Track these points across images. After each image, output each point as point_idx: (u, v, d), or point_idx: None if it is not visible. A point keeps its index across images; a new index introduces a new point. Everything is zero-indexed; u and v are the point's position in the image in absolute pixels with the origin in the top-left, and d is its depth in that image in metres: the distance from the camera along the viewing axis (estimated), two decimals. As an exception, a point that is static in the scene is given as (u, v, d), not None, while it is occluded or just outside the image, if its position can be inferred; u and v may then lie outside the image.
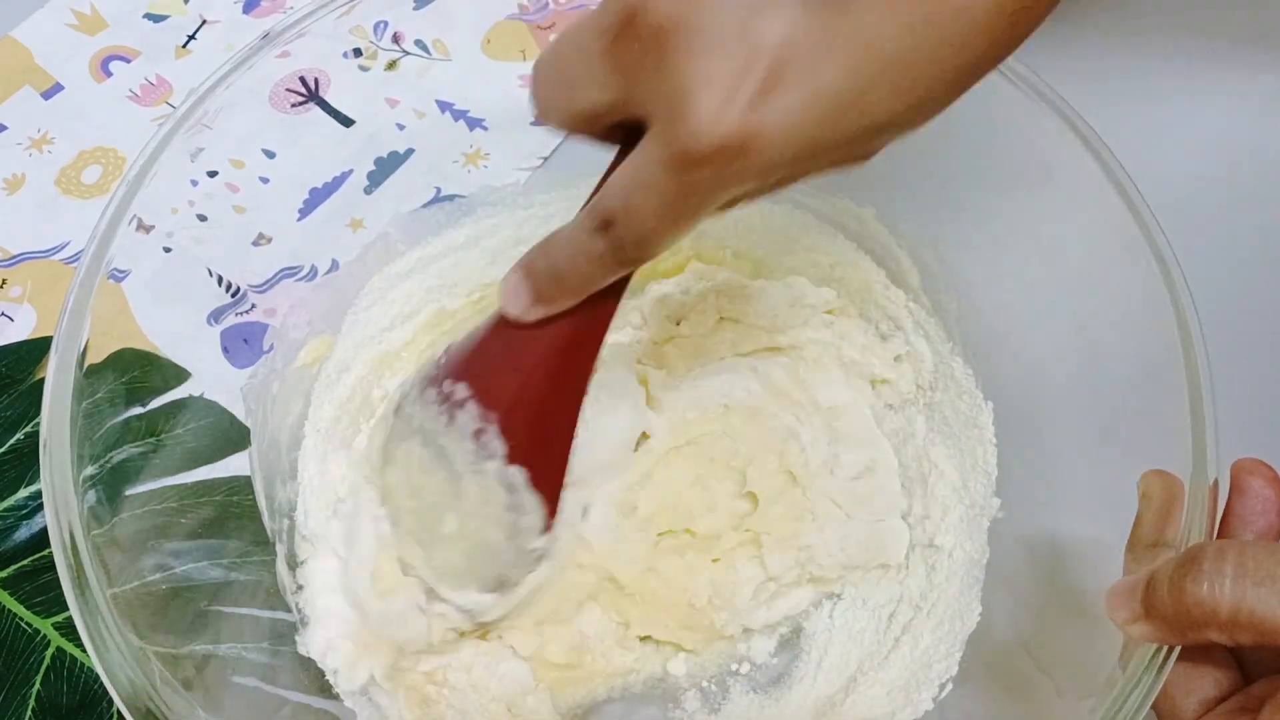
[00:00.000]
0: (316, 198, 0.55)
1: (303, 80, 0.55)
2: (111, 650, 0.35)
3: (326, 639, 0.43)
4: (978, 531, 0.47)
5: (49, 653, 0.45)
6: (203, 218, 0.50)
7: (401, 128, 0.57)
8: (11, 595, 0.46)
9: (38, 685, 0.44)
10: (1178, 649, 0.33)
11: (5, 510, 0.48)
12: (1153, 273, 0.40)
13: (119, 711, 0.36)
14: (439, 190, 0.56)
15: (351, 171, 0.56)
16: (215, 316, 0.51)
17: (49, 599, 0.46)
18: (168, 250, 0.48)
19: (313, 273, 0.53)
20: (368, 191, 0.56)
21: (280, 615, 0.44)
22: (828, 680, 0.45)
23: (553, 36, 0.60)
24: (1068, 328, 0.47)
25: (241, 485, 0.46)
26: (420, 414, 0.39)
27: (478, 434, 0.38)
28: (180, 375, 0.49)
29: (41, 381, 0.40)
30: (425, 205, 0.55)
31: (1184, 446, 0.37)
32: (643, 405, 0.48)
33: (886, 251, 0.52)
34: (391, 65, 0.58)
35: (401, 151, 0.57)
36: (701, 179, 0.27)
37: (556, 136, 0.57)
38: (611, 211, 0.30)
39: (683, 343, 0.52)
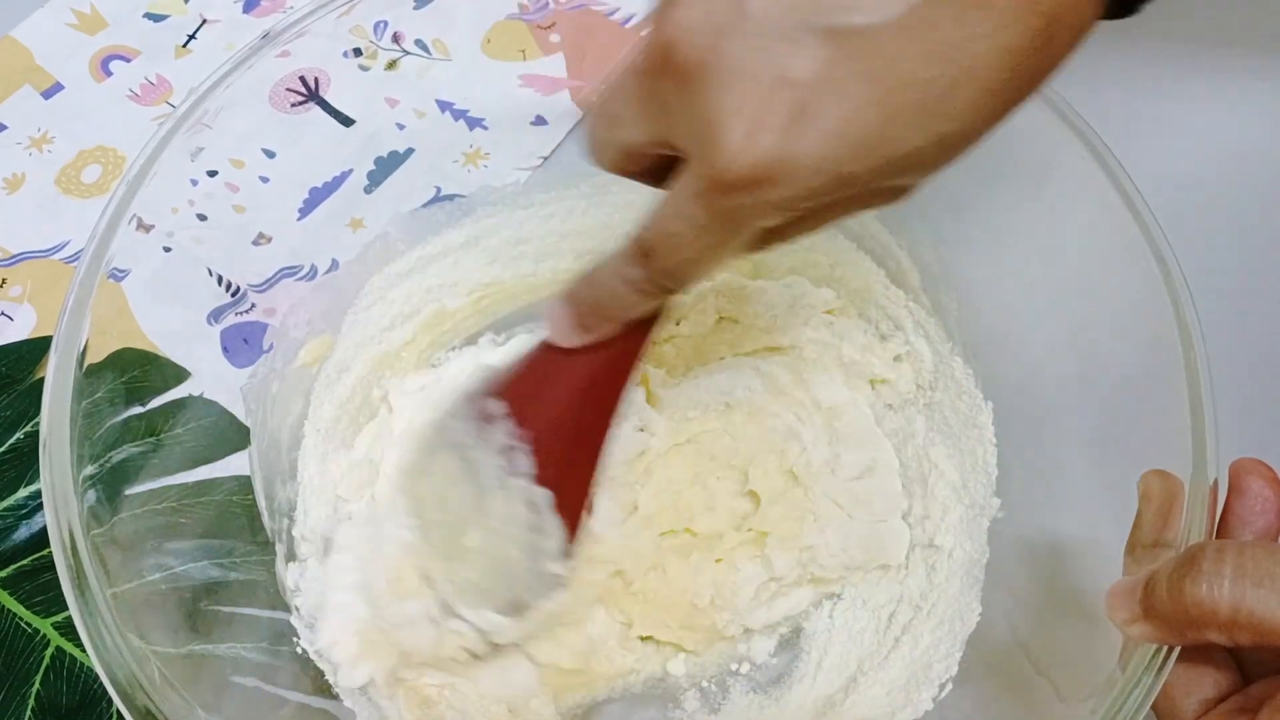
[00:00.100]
0: (316, 197, 0.55)
1: (303, 80, 0.55)
2: (111, 650, 0.35)
3: (332, 635, 0.43)
4: (978, 531, 0.47)
5: (49, 652, 0.45)
6: (203, 217, 0.50)
7: (401, 127, 0.57)
8: (11, 595, 0.46)
9: (37, 685, 0.44)
10: (1177, 649, 0.33)
11: (5, 510, 0.48)
12: (1153, 273, 0.40)
13: (119, 711, 0.36)
14: (439, 190, 0.56)
15: (351, 171, 0.56)
16: (215, 316, 0.51)
17: (49, 599, 0.46)
18: (168, 250, 0.48)
19: (313, 272, 0.53)
20: (368, 191, 0.56)
21: (280, 615, 0.44)
22: (828, 680, 0.45)
23: (554, 37, 0.60)
24: (1067, 328, 0.47)
25: (241, 485, 0.46)
26: (457, 427, 0.40)
27: (509, 451, 0.38)
28: (180, 375, 0.49)
29: (41, 381, 0.40)
30: (425, 205, 0.55)
31: (1184, 446, 0.37)
32: (647, 417, 0.48)
33: (886, 251, 0.52)
34: (391, 65, 0.58)
35: (401, 151, 0.57)
36: (732, 207, 0.28)
37: (556, 136, 0.57)
38: (650, 242, 0.31)
39: (682, 342, 0.52)
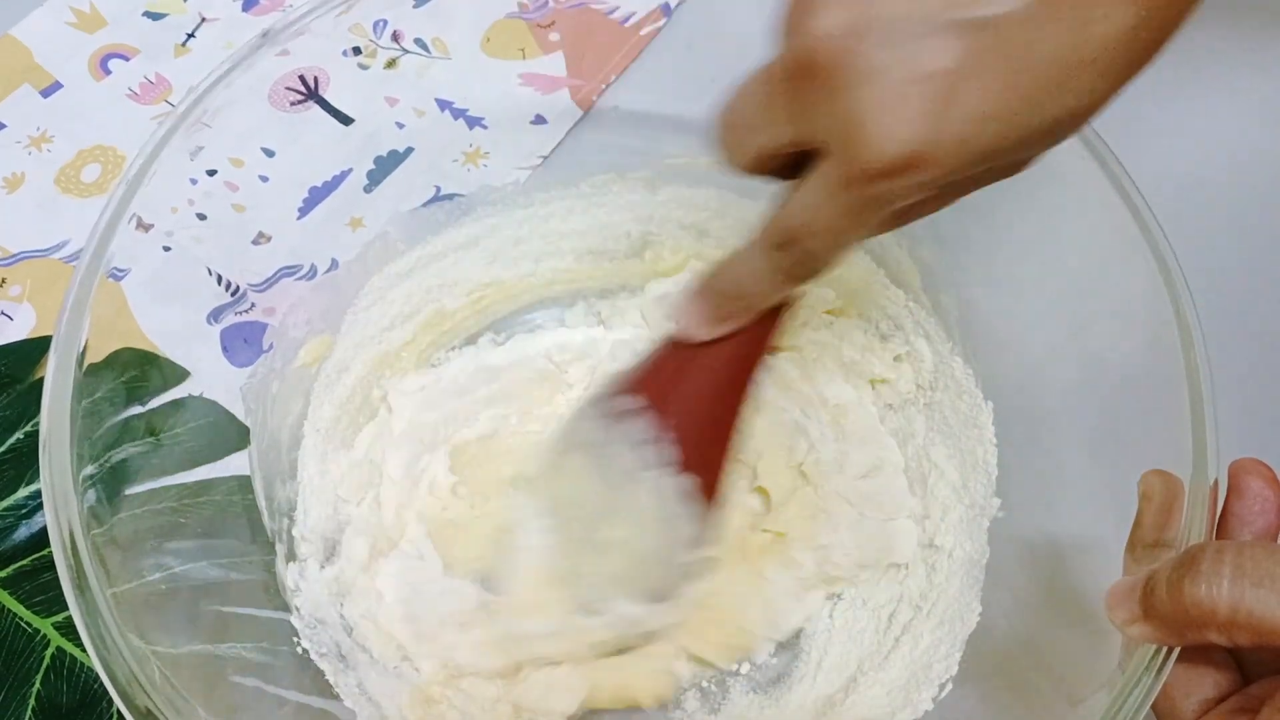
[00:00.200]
0: (316, 196, 0.55)
1: (302, 79, 0.55)
2: (111, 650, 0.35)
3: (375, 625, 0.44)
4: (978, 531, 0.47)
5: (49, 652, 0.45)
6: (202, 216, 0.50)
7: (401, 126, 0.57)
8: (11, 595, 0.46)
9: (38, 685, 0.44)
10: (1177, 650, 0.33)
11: (5, 510, 0.48)
12: (1153, 273, 0.40)
13: (119, 711, 0.36)
14: (439, 189, 0.56)
15: (351, 170, 0.56)
16: (215, 316, 0.51)
17: (49, 598, 0.46)
18: (167, 249, 0.48)
19: (312, 272, 0.53)
20: (367, 190, 0.56)
21: (280, 615, 0.44)
22: (828, 680, 0.45)
23: (553, 36, 0.60)
24: (1068, 328, 0.47)
25: (241, 485, 0.46)
26: (591, 427, 0.41)
27: (646, 444, 0.39)
28: (180, 374, 0.49)
29: (41, 381, 0.40)
30: (425, 204, 0.55)
31: (1184, 446, 0.37)
32: None
33: (886, 251, 0.52)
34: (391, 64, 0.58)
35: (401, 150, 0.57)
36: (878, 193, 0.30)
37: (556, 136, 0.57)
38: (789, 231, 0.32)
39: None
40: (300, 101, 0.55)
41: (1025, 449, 0.47)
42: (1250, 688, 0.33)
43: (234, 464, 0.47)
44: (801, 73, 0.29)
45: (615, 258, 0.55)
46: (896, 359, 0.51)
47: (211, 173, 0.51)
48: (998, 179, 0.34)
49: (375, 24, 0.57)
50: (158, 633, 0.38)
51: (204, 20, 0.63)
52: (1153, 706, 0.33)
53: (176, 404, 0.48)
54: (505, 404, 0.52)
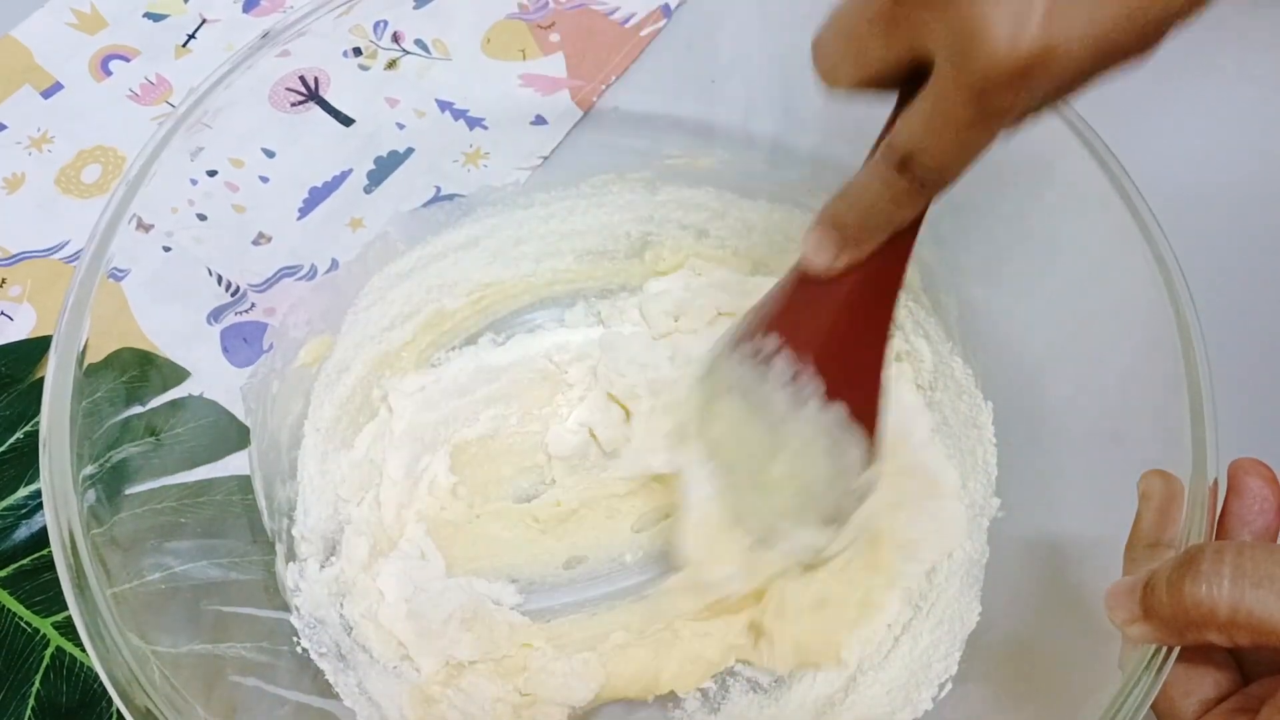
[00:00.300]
0: (316, 197, 0.55)
1: (302, 79, 0.55)
2: (111, 650, 0.35)
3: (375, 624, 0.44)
4: (978, 531, 0.47)
5: (49, 652, 0.45)
6: (202, 217, 0.50)
7: (401, 127, 0.57)
8: (11, 594, 0.46)
9: (37, 685, 0.44)
10: (1177, 650, 0.33)
11: (5, 509, 0.48)
12: (1153, 273, 0.40)
13: (119, 711, 0.36)
14: (439, 190, 0.56)
15: (351, 171, 0.56)
16: (215, 316, 0.51)
17: (49, 598, 0.46)
18: (167, 249, 0.48)
19: (312, 272, 0.53)
20: (367, 191, 0.56)
21: (280, 615, 0.44)
22: (827, 680, 0.45)
23: (553, 36, 0.60)
24: (1068, 328, 0.47)
25: (241, 485, 0.46)
26: (734, 370, 0.41)
27: (794, 379, 0.39)
28: (180, 374, 0.49)
29: (41, 381, 0.40)
30: (425, 205, 0.55)
31: (1184, 446, 0.37)
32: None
33: (886, 251, 0.52)
34: (391, 64, 0.58)
35: (401, 151, 0.57)
36: (1002, 101, 0.29)
37: (556, 136, 0.57)
38: (910, 148, 0.32)
39: (680, 339, 0.52)
40: (301, 102, 0.55)
41: (1025, 449, 0.47)
42: (1250, 687, 0.33)
43: (234, 464, 0.47)
44: None
45: (615, 258, 0.55)
46: (897, 357, 0.51)
47: (212, 173, 0.51)
48: (1128, 65, 0.32)
49: (375, 25, 0.57)
50: (158, 633, 0.38)
51: (204, 21, 0.63)
52: (1153, 706, 0.33)
53: (176, 404, 0.48)
54: (505, 404, 0.52)
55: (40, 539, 0.47)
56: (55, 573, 0.36)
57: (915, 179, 0.33)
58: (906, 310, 0.52)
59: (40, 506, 0.43)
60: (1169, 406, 0.38)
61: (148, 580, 0.40)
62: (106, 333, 0.42)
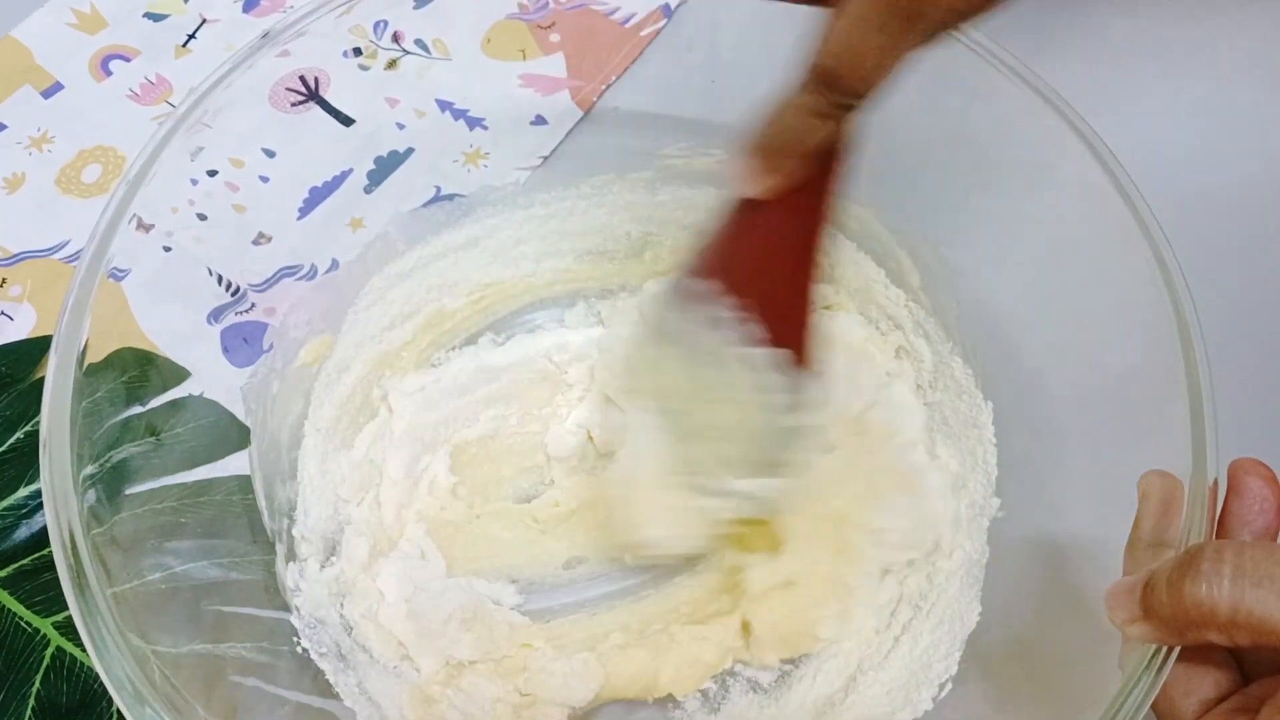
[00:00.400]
0: (316, 197, 0.55)
1: (302, 79, 0.55)
2: (111, 650, 0.35)
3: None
4: (978, 531, 0.47)
5: (49, 652, 0.45)
6: (203, 217, 0.50)
7: (401, 127, 0.57)
8: (11, 595, 0.46)
9: (38, 685, 0.44)
10: (1177, 649, 0.33)
11: (5, 509, 0.48)
12: (1153, 273, 0.40)
13: (119, 711, 0.36)
14: (439, 190, 0.56)
15: (351, 171, 0.56)
16: (215, 316, 0.51)
17: (49, 598, 0.46)
18: (168, 249, 0.48)
19: (313, 272, 0.53)
20: (367, 191, 0.56)
21: (280, 615, 0.44)
22: (827, 680, 0.45)
23: (554, 36, 0.60)
24: (1068, 327, 0.47)
25: (241, 485, 0.46)
26: (670, 316, 0.41)
27: (726, 323, 0.39)
28: (180, 374, 0.49)
29: (41, 381, 0.40)
30: (425, 205, 0.55)
31: (1184, 446, 0.37)
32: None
33: (886, 251, 0.52)
34: (391, 64, 0.58)
35: (401, 151, 0.57)
36: (915, 4, 0.29)
37: (556, 136, 0.57)
38: (828, 62, 0.31)
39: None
40: (301, 102, 0.55)
41: (1025, 449, 0.47)
42: (1250, 687, 0.33)
43: (234, 464, 0.47)
44: None
45: (615, 258, 0.55)
46: (898, 351, 0.51)
47: (212, 173, 0.51)
48: None
49: (376, 25, 0.57)
50: (158, 633, 0.38)
51: (205, 21, 0.63)
52: (1153, 706, 0.33)
53: (176, 404, 0.48)
54: (505, 404, 0.52)
55: (40, 539, 0.47)
56: (55, 573, 0.36)
57: (833, 92, 0.32)
58: (906, 310, 0.52)
59: (40, 506, 0.43)
60: (1169, 406, 0.38)
61: (148, 580, 0.40)
62: (106, 333, 0.42)
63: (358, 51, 0.57)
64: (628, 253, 0.55)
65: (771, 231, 0.37)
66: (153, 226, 0.45)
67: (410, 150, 0.57)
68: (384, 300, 0.52)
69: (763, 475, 0.43)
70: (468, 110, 0.58)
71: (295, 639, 0.44)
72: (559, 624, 0.47)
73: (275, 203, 0.54)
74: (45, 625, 0.45)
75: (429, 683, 0.44)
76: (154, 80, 0.61)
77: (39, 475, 0.40)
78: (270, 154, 0.55)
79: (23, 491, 0.48)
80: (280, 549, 0.46)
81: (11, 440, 0.49)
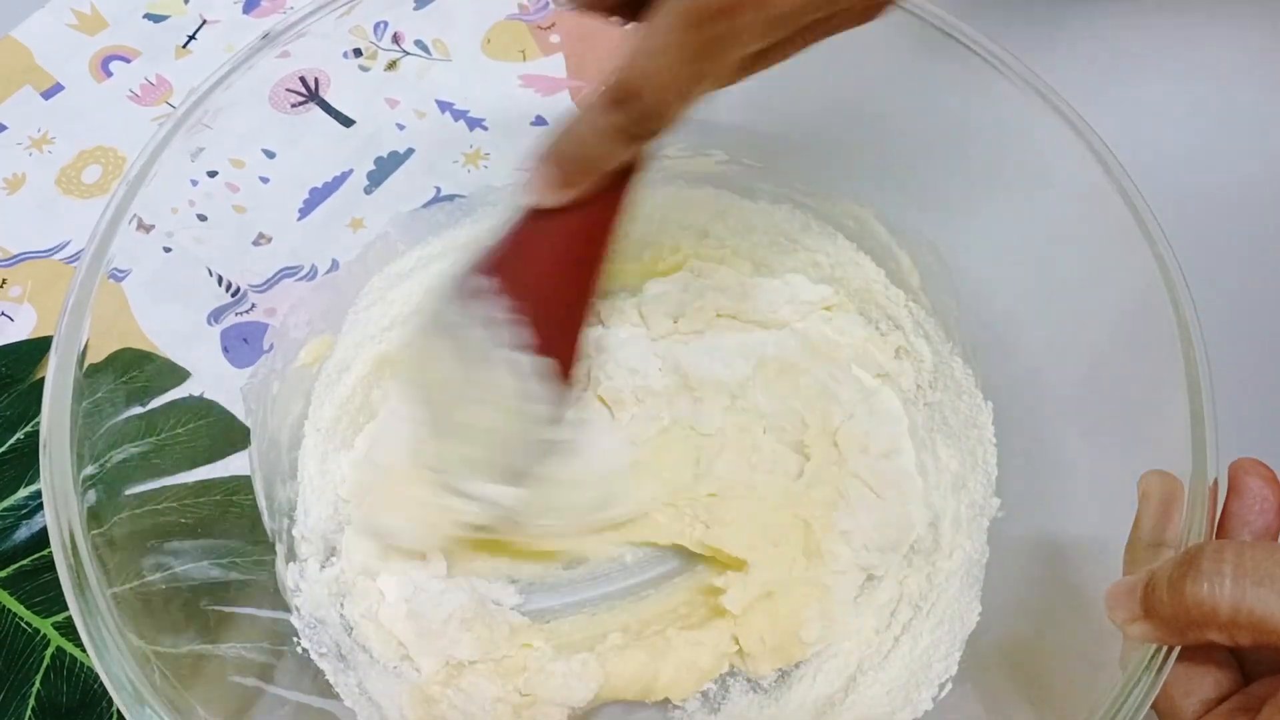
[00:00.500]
0: (316, 197, 0.55)
1: (303, 80, 0.55)
2: (111, 650, 0.35)
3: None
4: (978, 531, 0.47)
5: (49, 652, 0.45)
6: (203, 217, 0.50)
7: (401, 128, 0.57)
8: (11, 595, 0.46)
9: (38, 685, 0.44)
10: (1177, 649, 0.33)
11: (5, 510, 0.48)
12: (1153, 273, 0.40)
13: (119, 711, 0.36)
14: (439, 190, 0.56)
15: (351, 171, 0.56)
16: (215, 316, 0.51)
17: (49, 599, 0.46)
18: (168, 250, 0.48)
19: (313, 272, 0.53)
20: (368, 191, 0.56)
21: (280, 615, 0.44)
22: (827, 680, 0.45)
23: (554, 37, 0.60)
24: (1068, 328, 0.47)
25: (241, 485, 0.46)
26: (448, 308, 0.40)
27: (497, 323, 0.38)
28: (180, 375, 0.49)
29: (41, 381, 0.40)
30: (425, 205, 0.55)
31: (1184, 446, 0.37)
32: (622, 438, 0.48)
33: (886, 251, 0.52)
34: (391, 65, 0.58)
35: (401, 151, 0.57)
36: (717, 33, 0.28)
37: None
38: (629, 84, 0.31)
39: (676, 347, 0.52)
40: (301, 103, 0.55)
41: (1025, 449, 0.47)
42: (1251, 687, 0.33)
43: (234, 464, 0.47)
44: None
45: (614, 258, 0.55)
46: (897, 352, 0.51)
47: (212, 174, 0.51)
48: (854, 24, 0.32)
49: (376, 26, 0.57)
50: (157, 633, 0.38)
51: (205, 22, 0.63)
52: (1153, 706, 0.33)
53: (176, 404, 0.48)
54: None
55: (40, 539, 0.47)
56: (55, 573, 0.36)
57: (631, 117, 0.32)
58: (906, 310, 0.52)
59: (40, 507, 0.43)
60: (1169, 406, 0.38)
61: (148, 580, 0.40)
62: (107, 333, 0.42)
63: (358, 52, 0.57)
64: (627, 253, 0.55)
65: (557, 241, 0.37)
66: (153, 227, 0.45)
67: (410, 151, 0.57)
68: (384, 300, 0.52)
69: (506, 483, 0.42)
70: (468, 111, 0.58)
71: (295, 639, 0.44)
72: (559, 624, 0.47)
73: (275, 203, 0.54)
74: (45, 625, 0.45)
75: (429, 683, 0.44)
76: (154, 81, 0.61)
77: (39, 475, 0.40)
78: (270, 154, 0.55)
79: (23, 492, 0.48)
80: (280, 549, 0.46)
81: (11, 441, 0.49)
